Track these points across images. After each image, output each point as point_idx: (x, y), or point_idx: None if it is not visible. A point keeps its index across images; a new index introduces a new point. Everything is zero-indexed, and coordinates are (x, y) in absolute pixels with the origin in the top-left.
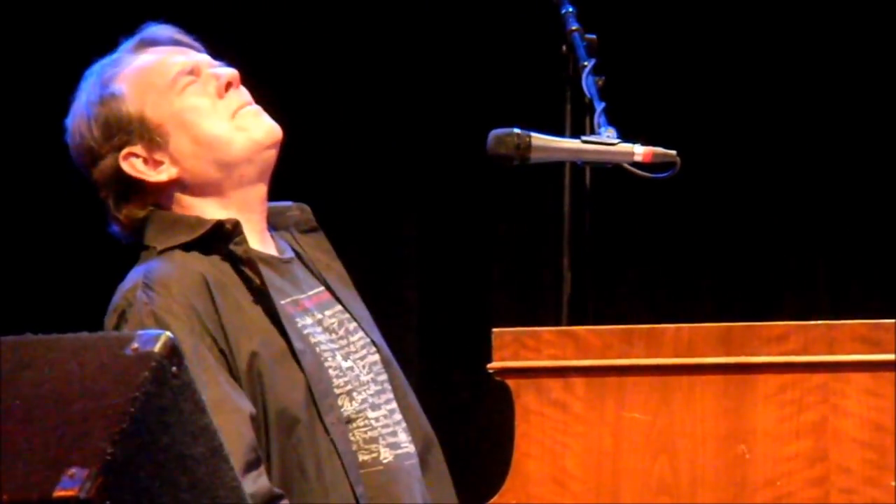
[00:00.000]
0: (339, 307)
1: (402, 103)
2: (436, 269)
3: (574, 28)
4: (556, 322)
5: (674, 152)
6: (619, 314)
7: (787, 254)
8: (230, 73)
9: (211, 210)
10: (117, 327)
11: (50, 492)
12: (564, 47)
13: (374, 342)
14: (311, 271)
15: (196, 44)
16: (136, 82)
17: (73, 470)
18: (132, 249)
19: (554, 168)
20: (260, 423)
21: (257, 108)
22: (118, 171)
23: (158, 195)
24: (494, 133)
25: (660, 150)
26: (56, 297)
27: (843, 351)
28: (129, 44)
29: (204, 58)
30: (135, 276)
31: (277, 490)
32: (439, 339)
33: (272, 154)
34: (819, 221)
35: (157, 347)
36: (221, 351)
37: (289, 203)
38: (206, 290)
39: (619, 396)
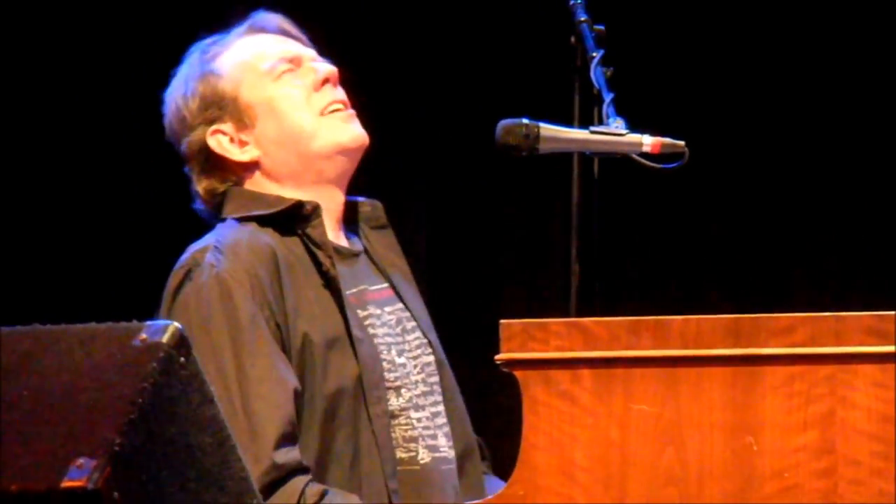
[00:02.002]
0: (401, 305)
1: (411, 94)
2: (444, 259)
3: (582, 19)
4: (565, 313)
5: (682, 143)
6: (626, 305)
7: (795, 245)
8: (329, 69)
9: (288, 196)
10: (181, 285)
11: (58, 482)
12: (573, 38)
13: (430, 343)
14: (377, 267)
15: (303, 37)
16: (236, 63)
17: (80, 460)
18: (140, 243)
19: (562, 159)
20: (305, 404)
21: (350, 112)
22: (204, 145)
23: (239, 173)
24: (503, 123)
25: (668, 140)
26: (64, 287)
27: (851, 342)
28: (238, 28)
29: (308, 51)
30: (208, 239)
31: (305, 463)
32: (447, 329)
33: (354, 159)
34: (827, 212)
35: (166, 338)
36: (278, 325)
37: (361, 198)
38: (274, 264)
39: (626, 388)
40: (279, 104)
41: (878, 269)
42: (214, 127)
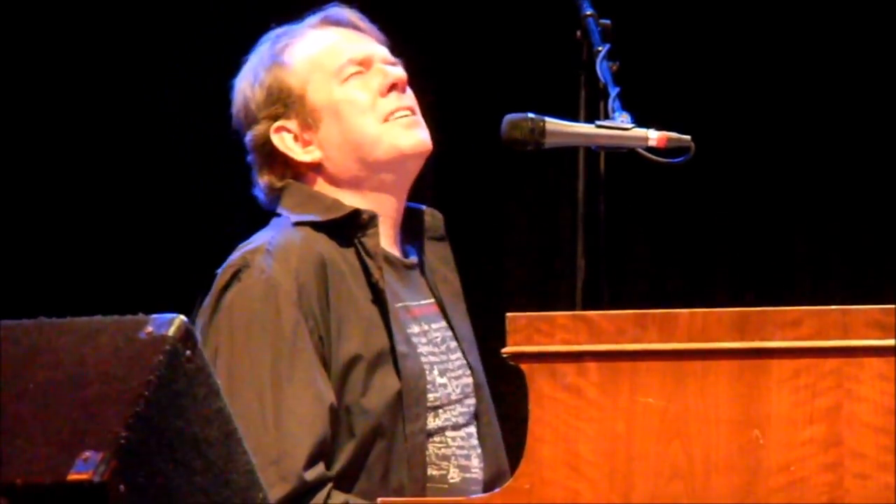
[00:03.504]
0: (444, 323)
1: (416, 89)
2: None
3: (588, 13)
4: (571, 307)
5: (688, 137)
6: (632, 299)
7: (801, 238)
8: (398, 74)
9: (346, 201)
10: (228, 284)
11: (64, 475)
12: (579, 32)
13: (469, 364)
14: (427, 281)
15: (379, 33)
16: (306, 58)
17: (87, 453)
18: (146, 236)
19: (568, 153)
20: (342, 417)
21: (414, 118)
22: (267, 140)
23: (300, 172)
24: (509, 118)
25: (674, 135)
26: (69, 281)
27: (857, 336)
28: (311, 19)
29: (380, 50)
30: (260, 239)
31: (328, 473)
32: None
33: (415, 165)
34: (832, 207)
35: (172, 331)
36: (320, 337)
37: (422, 207)
38: (323, 274)
39: (632, 381)
40: (344, 109)
41: (885, 262)
42: (279, 123)
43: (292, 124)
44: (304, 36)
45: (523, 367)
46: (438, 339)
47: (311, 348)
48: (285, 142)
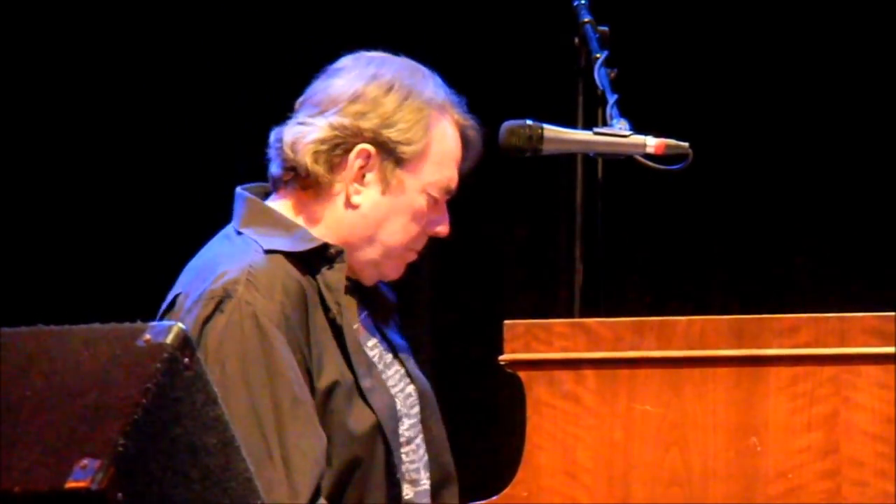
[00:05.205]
0: (377, 338)
1: None
2: (448, 260)
3: (586, 20)
4: (568, 314)
5: (686, 144)
6: (630, 306)
7: (798, 246)
8: (445, 229)
9: (318, 231)
10: (210, 316)
11: (62, 483)
12: (577, 39)
13: (408, 373)
14: (357, 293)
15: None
16: (435, 145)
17: (84, 461)
18: (145, 246)
19: (566, 160)
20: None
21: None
22: (347, 138)
23: (327, 186)
24: (507, 125)
25: (672, 141)
26: (67, 288)
27: (855, 343)
28: (460, 104)
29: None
30: (237, 266)
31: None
32: (451, 330)
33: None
34: (831, 213)
35: (170, 339)
36: (307, 369)
37: None
38: (304, 304)
39: (630, 389)
40: (407, 212)
41: (882, 270)
42: (371, 148)
43: (374, 159)
44: (451, 118)
45: (521, 374)
46: (376, 358)
47: (304, 384)
48: (354, 163)
